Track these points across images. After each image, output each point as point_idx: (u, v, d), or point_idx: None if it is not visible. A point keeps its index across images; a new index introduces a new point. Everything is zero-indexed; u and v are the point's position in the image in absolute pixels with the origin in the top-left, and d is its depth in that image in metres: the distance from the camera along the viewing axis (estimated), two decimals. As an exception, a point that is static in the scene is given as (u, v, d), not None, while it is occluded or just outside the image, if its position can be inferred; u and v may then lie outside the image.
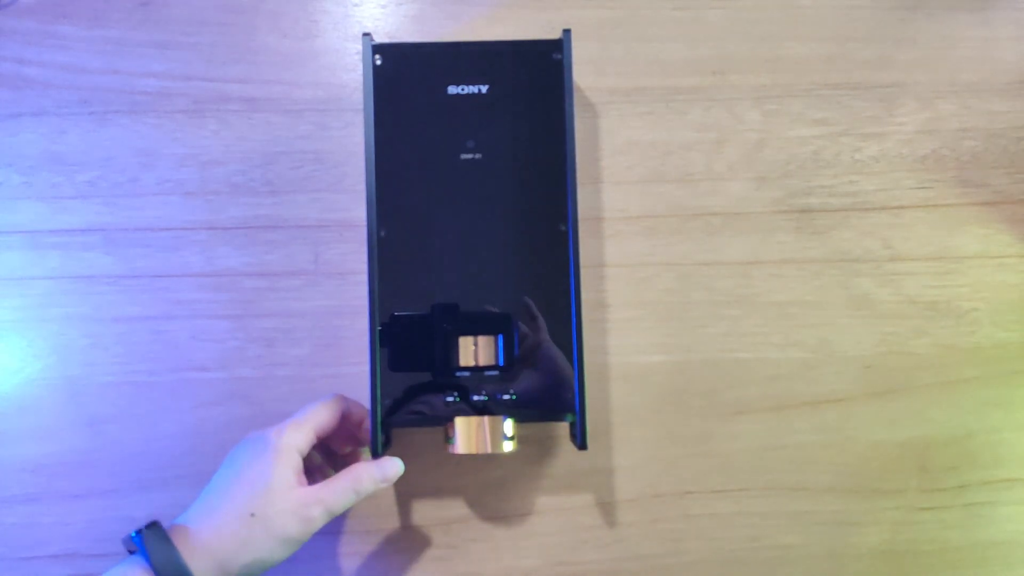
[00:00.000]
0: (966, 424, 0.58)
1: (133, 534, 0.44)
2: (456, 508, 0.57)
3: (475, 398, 0.50)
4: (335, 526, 0.56)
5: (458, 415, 0.50)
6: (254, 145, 0.58)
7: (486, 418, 0.50)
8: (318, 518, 0.46)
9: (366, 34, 0.52)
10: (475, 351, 0.51)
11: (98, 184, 0.58)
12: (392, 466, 0.49)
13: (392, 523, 0.56)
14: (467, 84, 0.52)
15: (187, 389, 0.57)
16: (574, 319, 0.50)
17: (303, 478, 0.47)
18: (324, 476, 0.50)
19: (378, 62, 0.52)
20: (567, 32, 0.52)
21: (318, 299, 0.57)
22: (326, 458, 0.54)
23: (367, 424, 0.51)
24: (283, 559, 0.46)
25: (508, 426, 0.51)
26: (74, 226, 0.58)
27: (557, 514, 0.57)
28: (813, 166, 0.60)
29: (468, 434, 0.50)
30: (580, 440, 0.50)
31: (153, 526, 0.44)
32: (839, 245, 0.59)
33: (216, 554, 0.44)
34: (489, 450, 0.50)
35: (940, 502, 0.58)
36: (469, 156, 0.52)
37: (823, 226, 0.59)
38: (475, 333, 0.51)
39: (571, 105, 0.52)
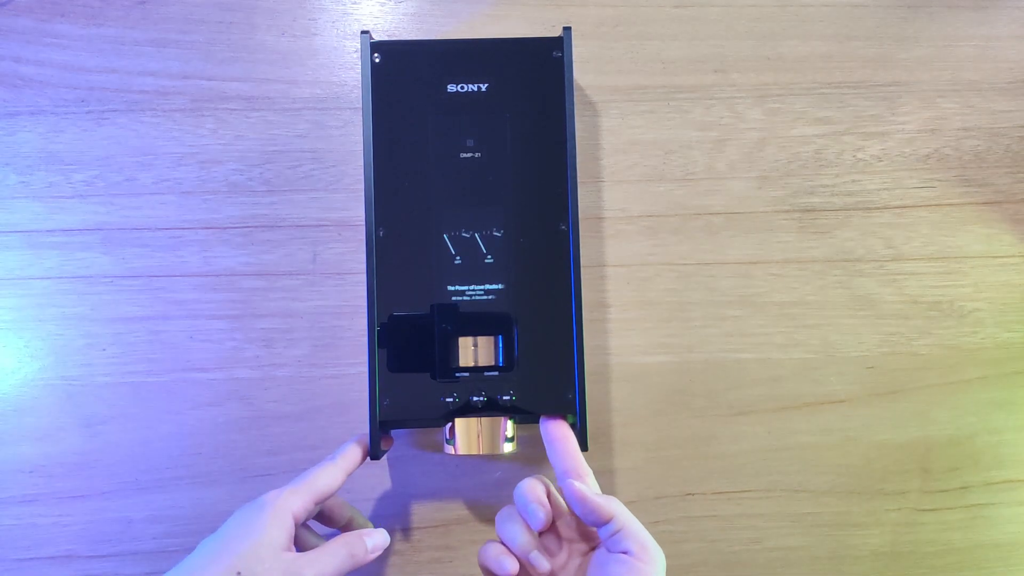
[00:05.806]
0: (968, 425, 0.58)
1: None
2: (455, 510, 0.57)
3: (475, 399, 0.50)
4: (333, 529, 0.56)
5: (458, 416, 0.50)
6: (252, 144, 0.58)
7: (486, 419, 0.50)
8: None
9: (364, 32, 0.52)
10: (475, 351, 0.51)
11: (95, 183, 0.58)
12: (380, 537, 0.48)
13: (391, 524, 0.56)
14: (466, 82, 0.52)
15: (185, 390, 0.56)
16: (574, 319, 0.50)
17: (293, 543, 0.45)
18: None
19: (377, 60, 0.52)
20: (567, 30, 0.52)
21: (316, 299, 0.57)
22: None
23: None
24: None
25: (508, 427, 0.51)
26: (71, 226, 0.57)
27: (557, 515, 0.57)
28: (815, 165, 0.59)
29: (468, 435, 0.50)
30: (580, 441, 0.50)
31: None
32: (841, 245, 0.59)
33: None
34: (489, 451, 0.50)
35: (942, 503, 0.57)
36: (468, 155, 0.51)
37: (825, 226, 0.59)
38: (475, 333, 0.51)
39: (571, 103, 0.52)
